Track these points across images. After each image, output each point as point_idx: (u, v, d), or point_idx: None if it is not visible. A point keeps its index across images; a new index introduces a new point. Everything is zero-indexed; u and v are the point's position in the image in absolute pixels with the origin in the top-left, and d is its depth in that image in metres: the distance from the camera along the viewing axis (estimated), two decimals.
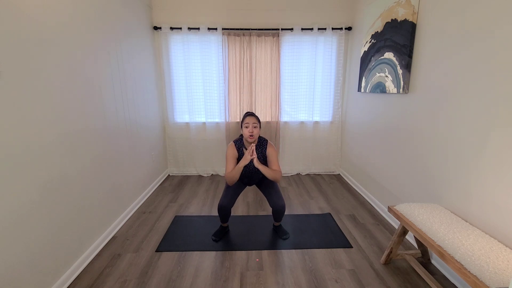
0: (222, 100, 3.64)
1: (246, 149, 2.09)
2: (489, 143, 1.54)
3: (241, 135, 2.15)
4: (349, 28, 3.51)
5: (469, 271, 1.27)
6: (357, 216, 2.70)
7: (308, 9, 3.50)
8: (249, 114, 2.05)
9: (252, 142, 2.04)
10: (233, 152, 2.10)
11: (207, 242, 2.25)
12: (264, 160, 2.13)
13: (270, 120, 3.77)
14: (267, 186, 2.22)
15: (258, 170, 2.07)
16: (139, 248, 2.18)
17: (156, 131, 3.49)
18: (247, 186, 2.22)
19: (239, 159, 2.10)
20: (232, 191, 2.18)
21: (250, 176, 2.19)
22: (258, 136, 2.05)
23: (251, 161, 2.07)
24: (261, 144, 2.14)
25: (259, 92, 3.67)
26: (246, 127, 2.01)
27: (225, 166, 2.07)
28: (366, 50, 3.02)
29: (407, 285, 1.79)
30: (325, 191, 3.35)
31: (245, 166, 2.07)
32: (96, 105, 2.14)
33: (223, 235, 2.34)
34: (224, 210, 2.16)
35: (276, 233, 2.37)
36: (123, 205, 2.59)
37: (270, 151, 2.12)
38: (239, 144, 2.13)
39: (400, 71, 2.36)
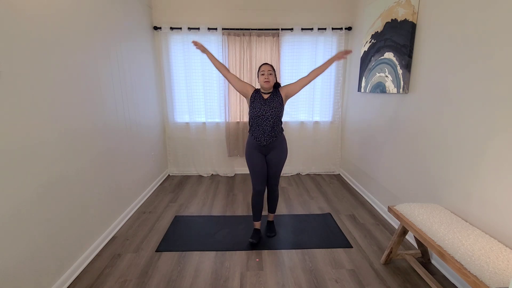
0: (222, 100, 3.64)
1: (262, 93, 2.14)
2: (490, 144, 1.54)
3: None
4: (349, 28, 3.51)
5: (469, 271, 1.27)
6: (357, 216, 2.70)
7: (308, 9, 3.50)
8: (265, 63, 2.14)
9: (268, 89, 2.12)
10: (250, 89, 2.16)
11: (207, 242, 2.25)
12: (279, 104, 2.12)
13: None
14: (272, 164, 2.20)
15: (267, 114, 2.09)
16: (139, 248, 2.18)
17: (156, 131, 3.49)
18: (266, 157, 2.23)
19: (252, 100, 2.13)
20: (259, 171, 2.18)
21: (262, 122, 2.11)
22: (273, 83, 2.12)
23: (265, 104, 2.10)
24: (276, 90, 2.16)
25: None
26: (262, 74, 2.09)
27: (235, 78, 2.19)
28: (366, 50, 3.02)
29: (407, 285, 1.79)
30: (325, 191, 3.35)
31: (256, 108, 2.10)
32: (96, 105, 2.14)
33: (259, 236, 2.30)
34: (259, 193, 2.20)
35: (266, 229, 2.40)
36: (123, 205, 2.59)
37: (284, 91, 2.15)
38: (258, 89, 2.18)
39: (400, 71, 2.36)
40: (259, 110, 2.09)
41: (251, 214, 2.73)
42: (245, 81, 3.57)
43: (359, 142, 3.32)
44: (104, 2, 2.30)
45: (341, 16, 3.53)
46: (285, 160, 2.24)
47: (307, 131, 3.83)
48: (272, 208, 2.42)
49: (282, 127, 2.22)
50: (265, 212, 2.77)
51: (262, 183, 2.20)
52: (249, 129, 2.21)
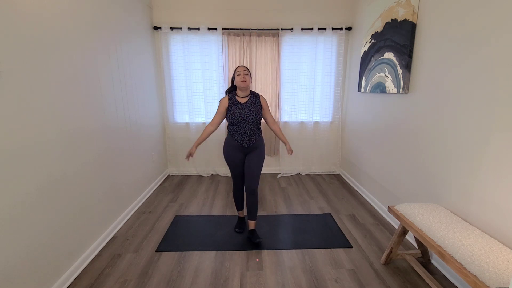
0: None
1: (239, 97, 2.17)
2: (490, 143, 1.54)
3: (233, 87, 2.26)
4: (349, 28, 3.51)
5: (469, 271, 1.27)
6: (357, 216, 2.70)
7: (308, 9, 3.50)
8: (240, 65, 2.20)
9: (245, 89, 2.14)
10: (224, 103, 2.18)
11: (207, 242, 2.25)
12: (259, 108, 2.18)
13: None
14: (252, 163, 2.19)
15: (248, 118, 2.12)
16: (139, 248, 2.18)
17: (156, 131, 3.49)
18: (246, 156, 2.26)
19: (229, 108, 2.16)
20: (238, 169, 2.26)
21: (243, 126, 2.13)
22: (249, 83, 2.15)
23: (244, 108, 2.14)
24: (255, 95, 2.22)
25: (259, 92, 3.67)
26: (238, 75, 2.11)
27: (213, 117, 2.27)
28: (366, 50, 3.02)
29: (407, 285, 1.79)
30: (325, 191, 3.35)
31: (236, 113, 2.12)
32: (96, 105, 2.14)
33: (244, 225, 2.47)
34: (239, 188, 2.35)
35: (250, 238, 2.23)
36: (123, 205, 2.59)
37: (263, 103, 2.24)
38: (232, 95, 2.20)
39: (400, 71, 2.36)
40: (239, 115, 2.11)
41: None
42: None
43: (359, 142, 3.32)
44: (104, 2, 2.29)
45: (341, 16, 3.52)
46: (263, 161, 2.27)
47: (307, 131, 3.83)
48: (252, 215, 2.24)
49: (260, 128, 2.27)
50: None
51: (242, 179, 2.32)
52: (228, 133, 2.23)
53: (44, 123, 1.60)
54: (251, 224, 2.29)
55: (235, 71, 2.15)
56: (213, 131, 2.23)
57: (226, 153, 2.24)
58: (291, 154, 2.35)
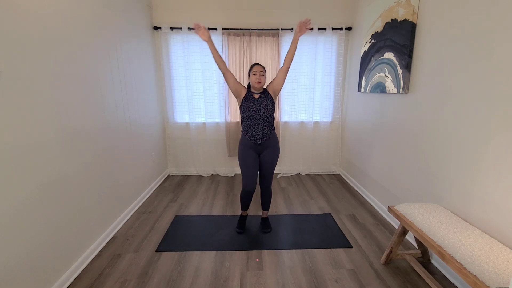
0: (222, 100, 3.64)
1: (253, 93, 2.22)
2: (490, 143, 1.54)
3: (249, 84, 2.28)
4: (349, 28, 3.51)
5: (469, 271, 1.27)
6: (357, 216, 2.70)
7: (308, 9, 3.50)
8: (257, 64, 2.20)
9: (258, 89, 2.19)
10: (243, 88, 2.22)
11: (207, 242, 2.25)
12: (271, 103, 2.20)
13: None
14: (267, 162, 2.27)
15: (260, 113, 2.15)
16: (139, 248, 2.18)
17: (156, 131, 3.49)
18: (260, 155, 2.31)
19: (243, 101, 2.19)
20: (251, 169, 2.23)
21: (256, 121, 2.17)
22: (264, 84, 2.20)
23: (257, 103, 2.17)
24: (265, 90, 2.24)
25: None
26: (254, 75, 2.15)
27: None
28: (366, 50, 3.02)
29: (407, 285, 1.79)
30: (325, 191, 3.35)
31: (249, 107, 2.16)
32: (96, 105, 2.14)
33: (245, 225, 2.49)
34: (248, 193, 2.27)
35: (261, 226, 2.48)
36: (123, 205, 2.59)
37: (271, 89, 2.23)
38: (249, 89, 2.25)
39: (400, 71, 2.36)
40: (252, 109, 2.17)
41: (251, 214, 2.73)
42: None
43: (359, 142, 3.32)
44: (104, 2, 2.29)
45: (341, 16, 3.52)
46: (277, 159, 2.31)
47: (307, 131, 3.83)
48: (265, 207, 2.46)
49: (273, 125, 2.28)
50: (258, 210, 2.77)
51: (253, 183, 2.24)
52: (242, 129, 2.27)
53: (44, 123, 1.60)
54: (264, 213, 2.50)
55: (251, 68, 2.18)
56: (219, 63, 2.13)
57: (240, 152, 2.28)
58: (306, 26, 2.07)
